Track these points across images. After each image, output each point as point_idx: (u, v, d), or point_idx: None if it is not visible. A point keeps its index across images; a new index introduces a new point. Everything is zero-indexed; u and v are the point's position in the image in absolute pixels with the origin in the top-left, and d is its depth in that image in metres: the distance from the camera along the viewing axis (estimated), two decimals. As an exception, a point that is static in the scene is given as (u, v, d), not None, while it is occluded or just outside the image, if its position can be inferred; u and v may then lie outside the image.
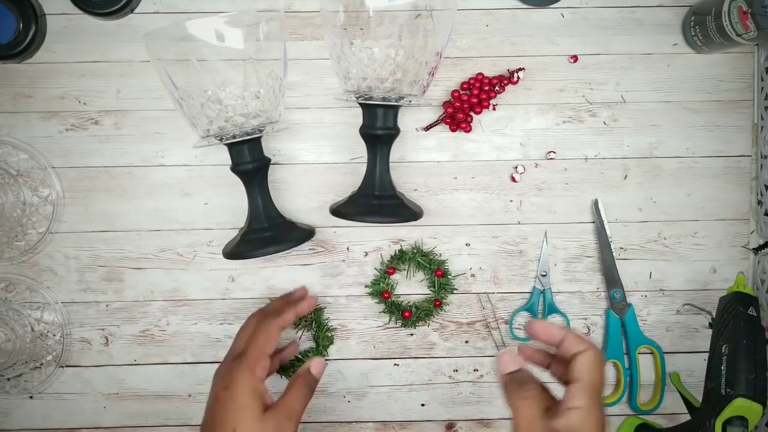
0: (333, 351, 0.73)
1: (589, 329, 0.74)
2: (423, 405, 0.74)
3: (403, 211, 0.67)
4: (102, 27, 0.70)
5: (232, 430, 0.53)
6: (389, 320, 0.72)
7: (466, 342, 0.73)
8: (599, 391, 0.47)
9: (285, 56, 0.63)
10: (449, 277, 0.72)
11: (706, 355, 0.64)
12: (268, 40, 0.62)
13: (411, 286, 0.73)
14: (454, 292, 0.72)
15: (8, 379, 0.71)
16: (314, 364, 0.60)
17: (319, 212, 0.72)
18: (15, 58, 0.69)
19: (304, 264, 0.72)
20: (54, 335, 0.72)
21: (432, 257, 0.71)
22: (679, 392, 0.68)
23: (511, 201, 0.73)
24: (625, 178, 0.73)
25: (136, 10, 0.70)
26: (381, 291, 0.71)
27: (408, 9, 0.62)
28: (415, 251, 0.71)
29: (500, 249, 0.73)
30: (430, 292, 0.72)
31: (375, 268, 0.72)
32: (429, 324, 0.72)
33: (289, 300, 0.67)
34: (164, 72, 0.61)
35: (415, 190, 0.72)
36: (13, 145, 0.70)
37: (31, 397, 0.72)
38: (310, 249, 0.72)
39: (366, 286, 0.72)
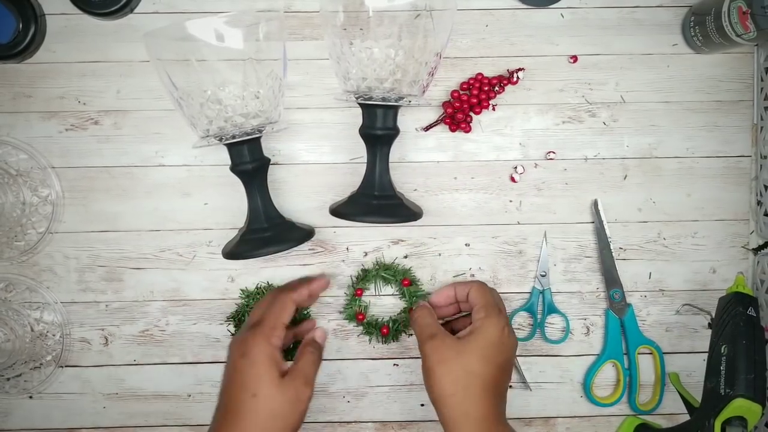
0: (333, 351, 0.73)
1: (588, 329, 0.74)
2: (423, 405, 0.74)
3: (403, 211, 0.67)
4: (102, 27, 0.70)
5: (252, 395, 0.55)
6: (369, 340, 0.72)
7: (466, 342, 0.73)
8: (494, 305, 0.60)
9: (285, 56, 0.63)
10: (418, 284, 0.71)
11: (705, 356, 0.64)
12: (268, 40, 0.62)
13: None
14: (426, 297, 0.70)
15: (8, 379, 0.71)
16: (318, 333, 0.64)
17: (318, 212, 0.71)
18: (15, 58, 0.69)
19: (304, 264, 0.72)
20: (54, 335, 0.72)
21: (395, 269, 0.71)
22: (679, 392, 0.68)
23: (510, 201, 0.73)
24: (625, 178, 0.73)
25: (135, 10, 0.70)
26: (354, 314, 0.71)
27: (408, 9, 0.62)
28: (378, 267, 0.71)
29: (500, 249, 0.73)
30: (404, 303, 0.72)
31: (344, 293, 0.72)
32: (411, 335, 0.72)
33: (304, 279, 0.69)
34: (164, 72, 0.61)
35: (415, 190, 0.72)
36: (13, 145, 0.70)
37: (30, 397, 0.72)
38: (309, 249, 0.72)
39: (339, 312, 0.72)
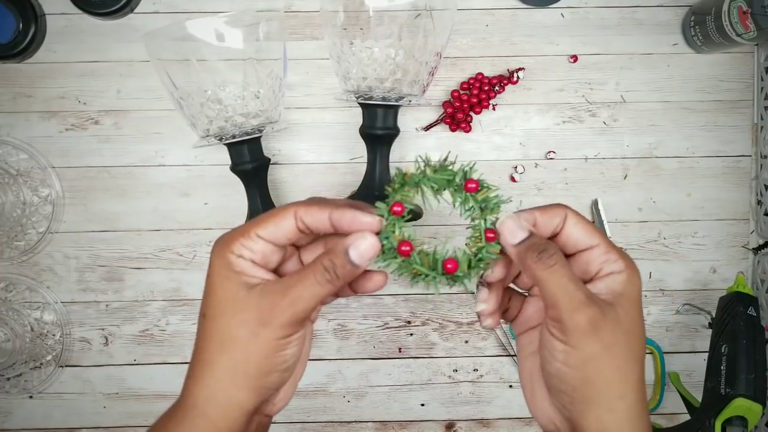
0: (333, 351, 0.73)
1: (588, 329, 0.73)
2: (423, 405, 0.74)
3: (403, 211, 0.67)
4: (102, 27, 0.70)
5: (201, 315, 0.39)
6: (427, 286, 0.39)
7: (466, 342, 0.73)
8: (622, 251, 0.40)
9: (285, 56, 0.63)
10: (488, 186, 0.41)
11: (705, 355, 0.64)
12: (268, 40, 0.62)
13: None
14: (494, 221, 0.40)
15: (8, 379, 0.71)
16: (357, 243, 0.37)
17: (318, 212, 0.71)
18: (15, 58, 0.69)
19: (304, 264, 0.72)
20: (54, 335, 0.72)
21: (448, 167, 0.40)
22: (679, 392, 0.68)
23: (510, 201, 0.73)
24: (625, 178, 0.73)
25: (136, 10, 0.71)
26: (392, 245, 0.38)
27: (408, 9, 0.62)
28: (423, 169, 0.40)
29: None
30: (472, 224, 0.41)
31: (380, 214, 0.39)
32: (486, 270, 0.40)
33: (348, 205, 0.39)
34: (164, 72, 0.61)
35: (415, 190, 0.72)
36: (13, 145, 0.70)
37: (31, 397, 0.72)
38: (309, 249, 0.72)
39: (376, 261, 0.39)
